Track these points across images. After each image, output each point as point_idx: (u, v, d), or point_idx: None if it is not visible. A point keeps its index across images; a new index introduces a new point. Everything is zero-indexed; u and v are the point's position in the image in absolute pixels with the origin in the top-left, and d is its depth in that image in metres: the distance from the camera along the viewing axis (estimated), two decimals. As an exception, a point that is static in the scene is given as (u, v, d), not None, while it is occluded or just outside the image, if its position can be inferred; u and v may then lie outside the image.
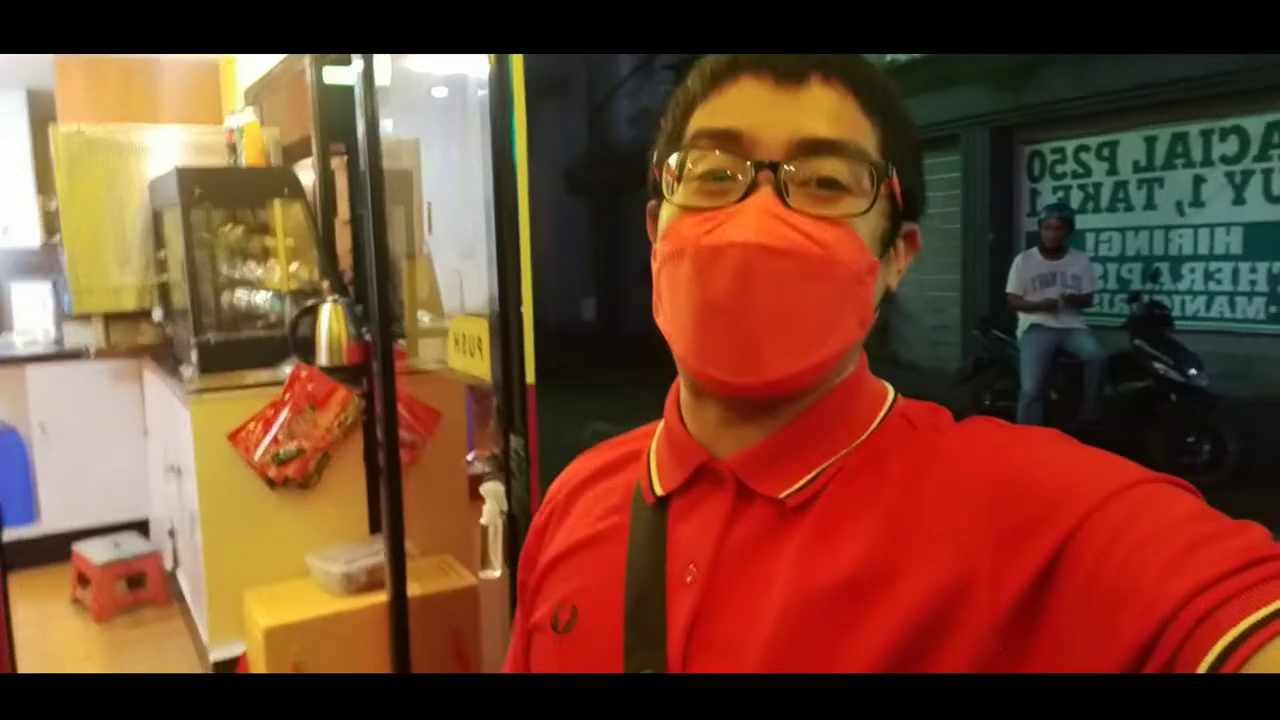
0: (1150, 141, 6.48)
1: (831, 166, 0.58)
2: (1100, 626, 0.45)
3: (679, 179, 0.61)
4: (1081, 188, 6.96)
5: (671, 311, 0.61)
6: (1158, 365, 4.97)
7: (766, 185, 0.57)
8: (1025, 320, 5.38)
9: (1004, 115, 7.09)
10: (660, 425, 0.72)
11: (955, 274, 7.62)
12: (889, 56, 8.03)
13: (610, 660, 0.62)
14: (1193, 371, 4.84)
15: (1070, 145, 6.99)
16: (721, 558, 0.60)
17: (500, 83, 1.59)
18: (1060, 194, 7.03)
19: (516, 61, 1.61)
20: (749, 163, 0.58)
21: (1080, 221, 6.73)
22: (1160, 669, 0.42)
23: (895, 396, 0.65)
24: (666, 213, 0.62)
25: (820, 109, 0.58)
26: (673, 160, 0.61)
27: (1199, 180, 6.29)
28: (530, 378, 1.64)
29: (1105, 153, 6.78)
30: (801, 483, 0.60)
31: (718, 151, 0.59)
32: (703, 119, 0.61)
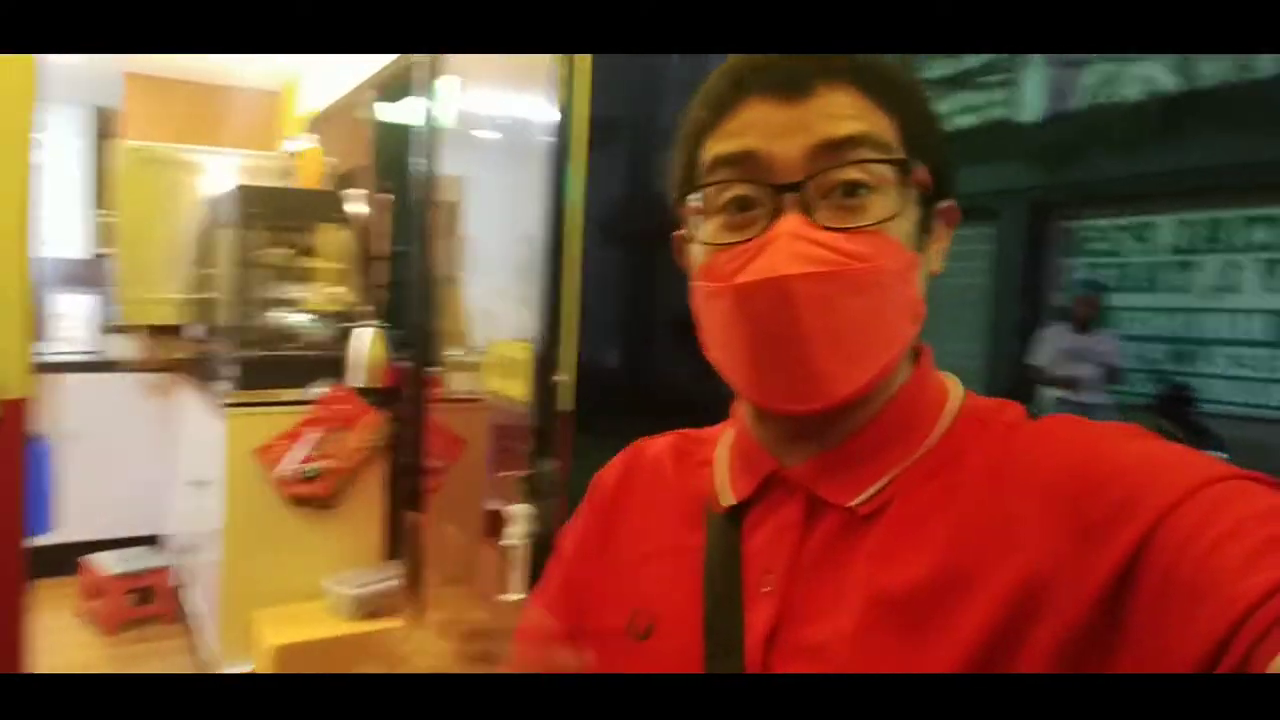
0: (1187, 225, 6.49)
1: (851, 171, 0.57)
2: (1179, 623, 0.44)
3: (702, 214, 0.61)
4: (1115, 266, 6.96)
5: (722, 349, 0.60)
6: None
7: (792, 207, 0.56)
8: (1049, 395, 5.33)
9: (1044, 191, 7.13)
10: (727, 433, 0.72)
11: (983, 344, 7.60)
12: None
13: (690, 667, 0.62)
14: (1216, 454, 4.77)
15: (1107, 224, 7.01)
16: (798, 567, 0.60)
17: (563, 130, 1.65)
18: (1094, 271, 7.04)
19: (579, 110, 1.67)
20: (770, 187, 0.57)
21: (1112, 300, 6.73)
22: (1233, 668, 0.41)
23: (964, 394, 0.65)
24: (697, 251, 0.62)
25: (832, 112, 0.57)
26: (694, 199, 0.61)
27: (1231, 265, 6.29)
28: (566, 404, 1.66)
29: (1142, 234, 6.80)
30: (872, 490, 0.59)
31: (738, 181, 0.58)
32: (716, 146, 0.60)
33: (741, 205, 0.59)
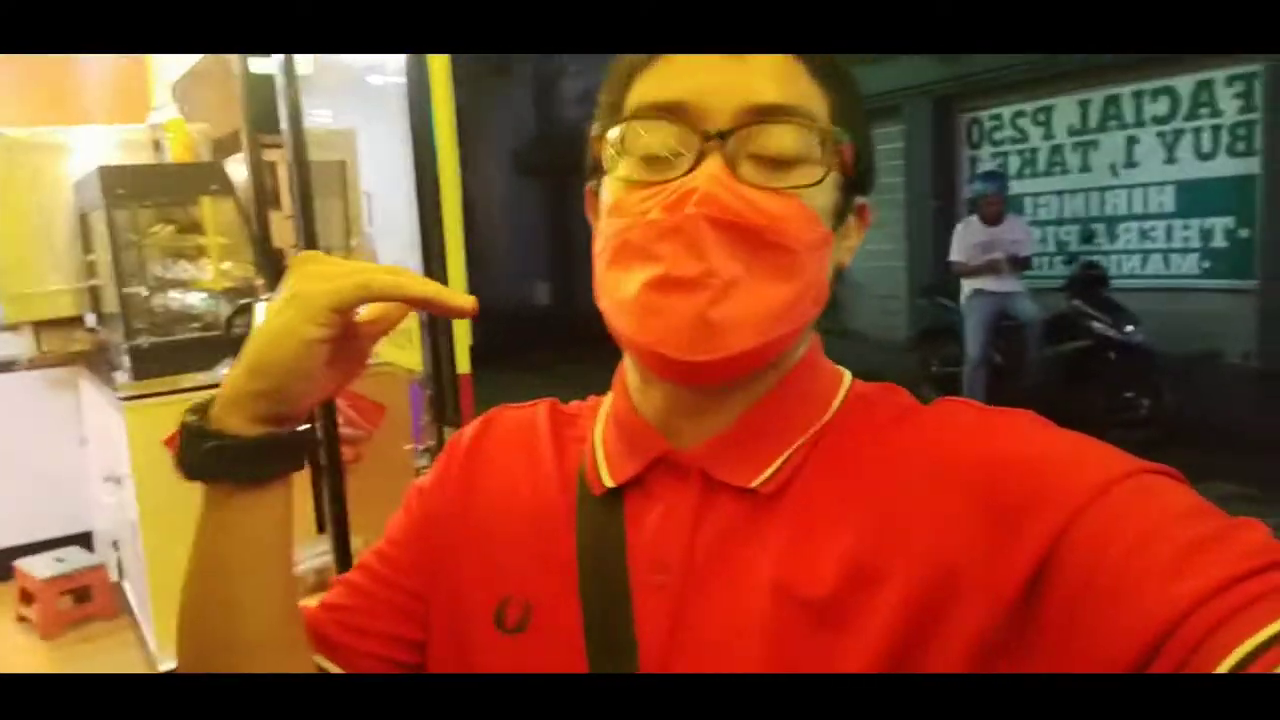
0: (1084, 105, 6.60)
1: (781, 138, 0.55)
2: (1100, 624, 0.44)
3: (621, 153, 0.58)
4: (1019, 153, 7.07)
5: (616, 291, 0.57)
6: (1096, 324, 5.08)
7: (714, 155, 0.54)
8: (968, 287, 5.46)
9: (944, 85, 7.17)
10: (604, 406, 0.68)
11: (900, 243, 7.72)
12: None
13: (573, 665, 0.58)
14: (1129, 328, 4.95)
15: (1007, 112, 7.09)
16: (695, 557, 0.57)
17: (418, 66, 1.57)
18: (999, 160, 7.14)
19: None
20: (696, 134, 0.55)
21: (1018, 186, 6.85)
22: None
23: (850, 378, 0.64)
24: (610, 188, 0.59)
25: (768, 73, 0.55)
26: (614, 134, 0.58)
27: (1132, 141, 6.43)
28: (463, 367, 1.63)
29: (1041, 118, 6.90)
30: (771, 469, 0.57)
31: (663, 124, 0.56)
32: (645, 90, 0.57)
33: (662, 149, 0.56)
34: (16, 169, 3.25)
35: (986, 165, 7.07)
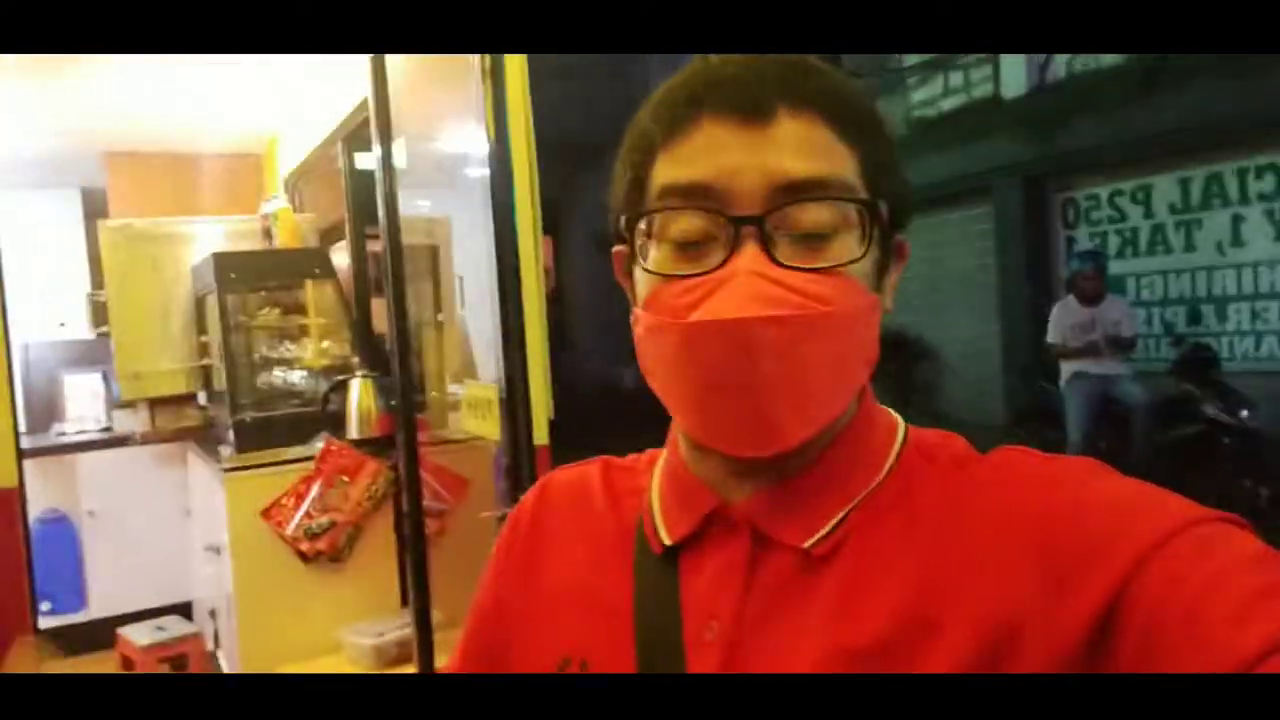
0: (1184, 183, 6.41)
1: (817, 214, 0.53)
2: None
3: (650, 237, 0.57)
4: (1119, 233, 6.89)
5: (667, 385, 0.57)
6: (1208, 409, 4.83)
7: (750, 241, 0.52)
8: (1068, 369, 5.28)
9: (1036, 164, 7.08)
10: (660, 462, 0.67)
11: (992, 324, 7.54)
12: (915, 111, 8.00)
13: None
14: (1245, 413, 4.69)
15: (1104, 191, 6.94)
16: (745, 612, 0.56)
17: (500, 158, 1.65)
18: (1097, 240, 6.97)
19: (517, 137, 1.67)
20: (726, 219, 0.53)
21: (1118, 266, 6.65)
22: None
23: (905, 428, 0.62)
24: (643, 278, 0.58)
25: (793, 145, 0.53)
26: (642, 221, 0.57)
27: (1238, 220, 6.19)
28: (540, 438, 1.65)
29: (1140, 196, 6.72)
30: (825, 530, 0.56)
31: (692, 211, 0.54)
32: (668, 171, 0.55)
33: (695, 235, 0.54)
34: (139, 257, 3.50)
35: (1084, 245, 6.89)
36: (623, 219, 0.59)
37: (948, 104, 7.60)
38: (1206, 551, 0.45)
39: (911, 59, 7.78)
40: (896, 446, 0.60)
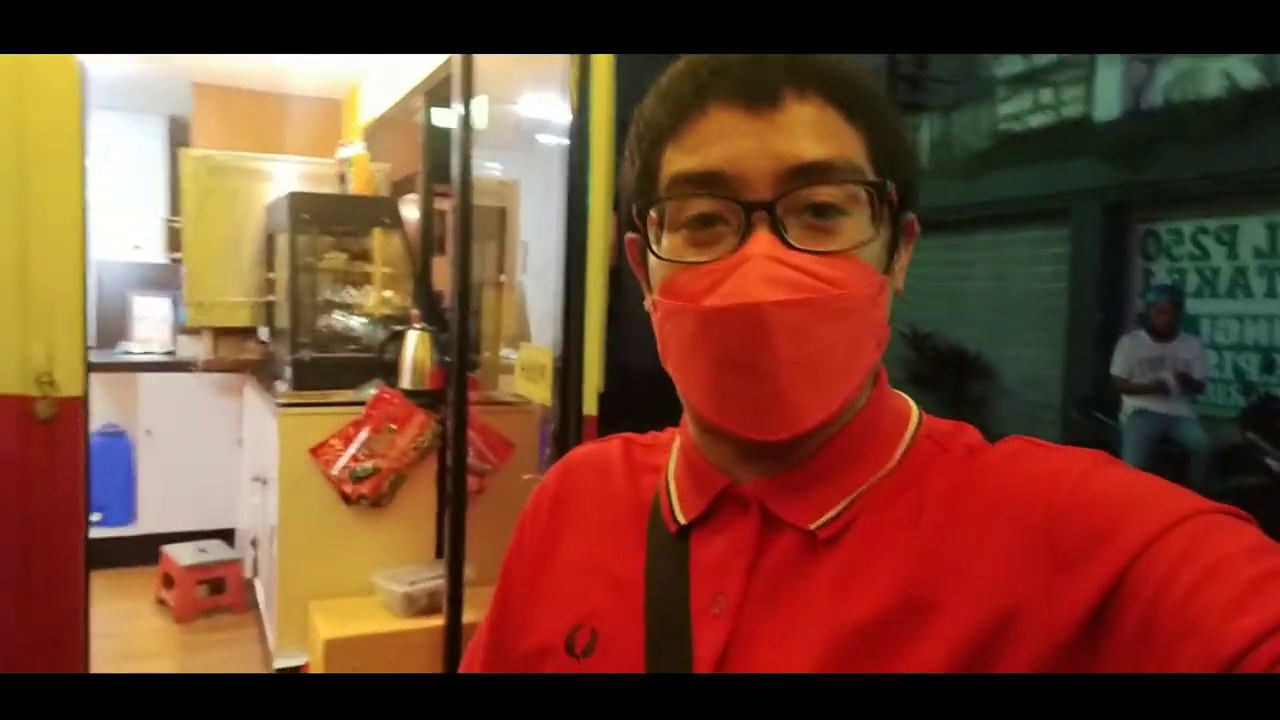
0: (1272, 229, 6.19)
1: (825, 193, 0.54)
2: (1159, 661, 0.43)
3: (662, 225, 0.58)
4: (1199, 271, 6.68)
5: (682, 368, 0.58)
6: (1272, 462, 4.68)
7: (762, 226, 0.53)
8: (1130, 405, 5.15)
9: (1119, 191, 6.89)
10: (676, 443, 0.69)
11: (1058, 351, 7.38)
12: (1001, 125, 7.80)
13: None
14: (1312, 469, 4.55)
15: (1188, 226, 6.73)
16: (752, 587, 0.57)
17: (580, 130, 1.65)
18: (1176, 276, 6.77)
19: (598, 112, 1.67)
20: (738, 204, 0.54)
21: (1195, 305, 6.46)
22: None
23: (920, 415, 0.62)
24: (658, 265, 0.59)
25: (801, 128, 0.54)
26: (653, 210, 0.58)
27: (1326, 270, 5.97)
28: (590, 409, 1.66)
29: (1225, 236, 6.51)
30: (833, 513, 0.57)
31: (703, 198, 0.55)
32: (677, 160, 0.56)
33: (706, 221, 0.55)
34: (216, 189, 3.59)
35: (1162, 279, 6.70)
36: (635, 207, 0.60)
37: (1036, 120, 7.41)
38: (1207, 541, 0.45)
39: (1004, 71, 7.60)
40: (910, 433, 0.61)
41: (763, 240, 0.53)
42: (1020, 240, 7.49)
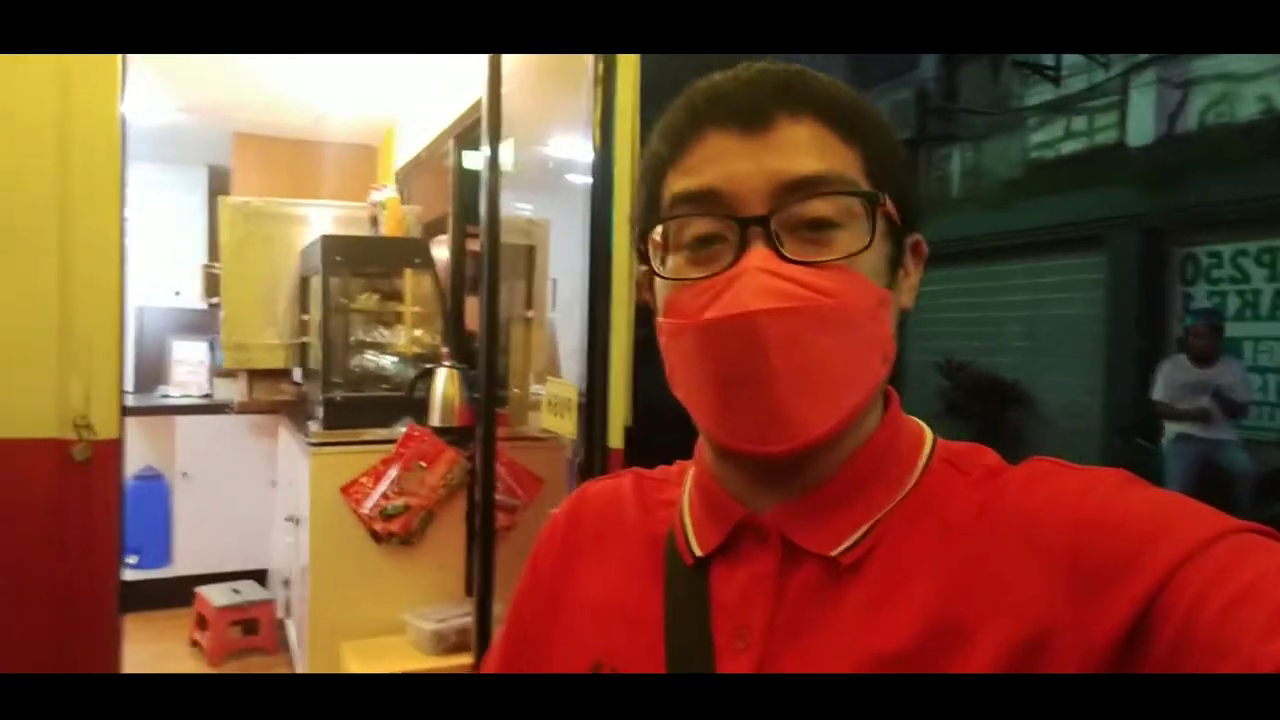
0: (1318, 249, 6.07)
1: (818, 206, 0.55)
2: None
3: (665, 248, 0.59)
4: (1239, 294, 6.55)
5: (688, 387, 0.59)
6: (1321, 486, 4.56)
7: (758, 241, 0.55)
8: (1172, 430, 5.04)
9: (1156, 216, 6.80)
10: (690, 475, 0.68)
11: (1097, 378, 7.26)
12: (1033, 153, 7.77)
13: None
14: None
15: (1228, 250, 6.62)
16: (776, 621, 0.57)
17: (603, 167, 1.67)
18: (1216, 300, 6.64)
19: (622, 148, 1.69)
20: (734, 220, 0.55)
21: (1237, 329, 6.33)
22: None
23: (934, 438, 0.62)
24: (661, 285, 0.60)
25: (794, 146, 0.55)
26: (656, 232, 0.59)
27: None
28: (615, 442, 1.66)
29: (1266, 259, 6.38)
30: (854, 539, 0.57)
31: (700, 217, 0.57)
32: (677, 182, 0.58)
33: (705, 240, 0.57)
34: (254, 234, 3.67)
35: (1202, 303, 6.58)
36: (639, 232, 0.62)
37: (1068, 147, 7.36)
38: (1240, 562, 0.45)
39: (1036, 99, 7.57)
40: (925, 456, 0.60)
41: (758, 254, 0.54)
42: (1056, 268, 7.41)
